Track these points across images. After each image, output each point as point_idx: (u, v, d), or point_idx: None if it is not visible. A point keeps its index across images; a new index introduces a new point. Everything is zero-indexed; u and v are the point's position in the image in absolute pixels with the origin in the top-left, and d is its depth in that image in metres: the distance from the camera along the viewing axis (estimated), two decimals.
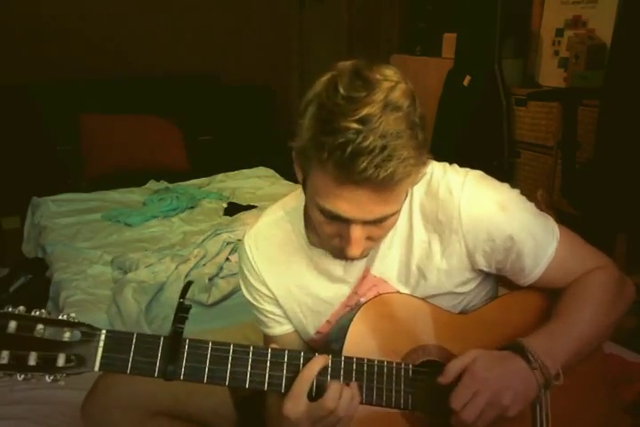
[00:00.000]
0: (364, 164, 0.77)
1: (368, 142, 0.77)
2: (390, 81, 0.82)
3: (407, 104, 0.81)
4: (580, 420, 1.02)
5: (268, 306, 1.09)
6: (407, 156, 0.79)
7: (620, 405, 1.15)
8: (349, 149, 0.77)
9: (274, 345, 0.95)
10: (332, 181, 0.82)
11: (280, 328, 1.11)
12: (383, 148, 0.78)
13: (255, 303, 1.10)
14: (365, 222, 0.87)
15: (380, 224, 0.89)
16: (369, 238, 0.91)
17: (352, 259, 0.93)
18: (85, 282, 2.11)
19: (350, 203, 0.83)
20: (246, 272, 1.09)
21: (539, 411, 0.97)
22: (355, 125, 0.77)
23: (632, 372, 1.46)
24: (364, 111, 0.78)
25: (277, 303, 1.09)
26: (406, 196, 0.92)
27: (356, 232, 0.87)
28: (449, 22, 3.48)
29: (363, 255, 0.95)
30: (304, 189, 0.92)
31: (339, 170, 0.80)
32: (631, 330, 2.08)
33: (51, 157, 3.33)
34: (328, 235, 0.92)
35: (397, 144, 0.79)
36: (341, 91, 0.80)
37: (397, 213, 0.90)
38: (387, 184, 0.81)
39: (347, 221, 0.86)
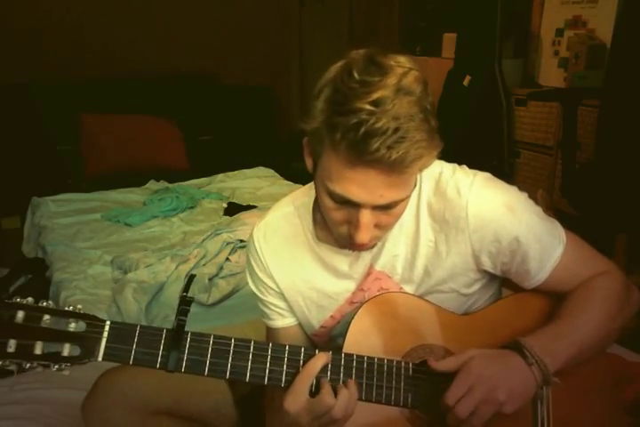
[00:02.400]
0: (377, 144, 0.78)
1: (381, 124, 0.78)
2: (403, 67, 0.84)
3: (419, 90, 0.83)
4: (580, 420, 1.02)
5: (272, 298, 1.10)
6: (419, 138, 0.80)
7: (620, 405, 1.15)
8: (362, 130, 0.78)
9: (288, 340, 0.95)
10: (343, 163, 0.83)
11: (282, 321, 1.11)
12: (396, 129, 0.78)
13: (260, 295, 1.11)
14: (375, 207, 0.87)
15: (388, 211, 0.89)
16: (377, 226, 0.91)
17: (360, 246, 0.93)
18: (85, 282, 2.11)
19: (361, 186, 0.84)
20: (253, 264, 1.10)
21: (540, 408, 0.97)
22: (368, 107, 0.78)
23: (632, 372, 1.46)
24: (378, 94, 0.79)
25: (282, 296, 1.09)
26: (415, 184, 0.92)
27: (366, 217, 0.87)
28: (449, 22, 3.47)
29: (370, 245, 0.95)
30: (314, 175, 0.92)
31: (351, 150, 0.81)
32: (631, 330, 2.08)
33: (51, 157, 3.33)
34: (337, 221, 0.92)
35: (410, 126, 0.79)
36: (355, 75, 0.81)
37: (406, 199, 0.90)
38: (398, 166, 0.81)
39: (357, 206, 0.86)
